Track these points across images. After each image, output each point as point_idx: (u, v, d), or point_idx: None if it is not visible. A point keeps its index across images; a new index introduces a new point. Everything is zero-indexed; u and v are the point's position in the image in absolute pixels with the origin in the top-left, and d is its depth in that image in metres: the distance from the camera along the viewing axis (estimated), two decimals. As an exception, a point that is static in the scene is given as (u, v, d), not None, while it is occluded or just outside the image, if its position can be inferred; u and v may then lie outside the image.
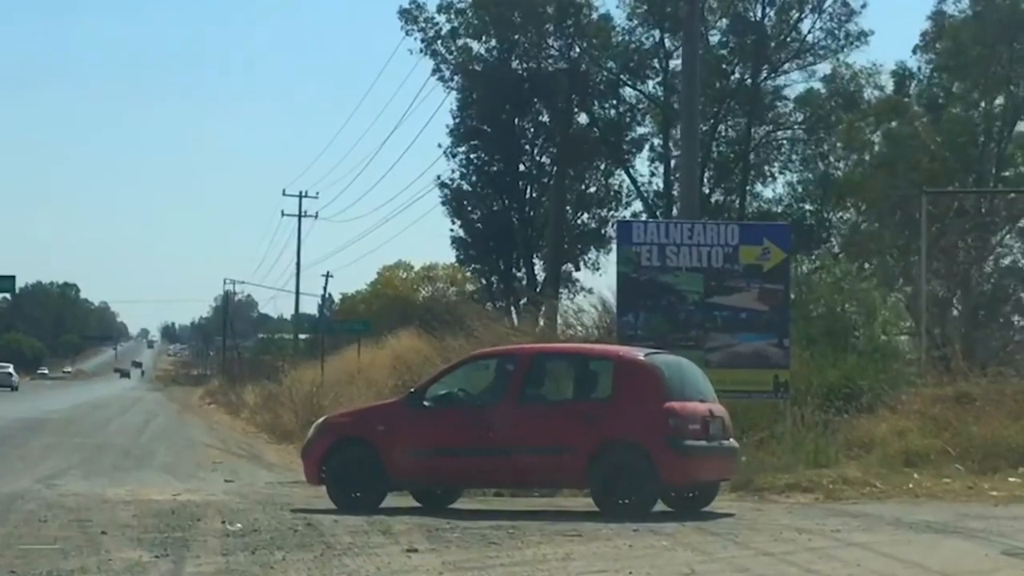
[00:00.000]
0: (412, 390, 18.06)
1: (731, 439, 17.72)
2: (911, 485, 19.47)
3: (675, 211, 45.12)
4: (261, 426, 39.36)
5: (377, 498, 17.28)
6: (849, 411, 22.98)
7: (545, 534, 14.59)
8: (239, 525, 14.94)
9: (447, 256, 72.95)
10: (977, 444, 21.56)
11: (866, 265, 34.45)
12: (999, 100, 48.00)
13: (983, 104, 47.51)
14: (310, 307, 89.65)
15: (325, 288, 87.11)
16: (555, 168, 55.71)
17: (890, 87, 51.00)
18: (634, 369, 16.94)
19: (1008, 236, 45.58)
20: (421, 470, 17.27)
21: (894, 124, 48.93)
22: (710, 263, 21.60)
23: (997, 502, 18.13)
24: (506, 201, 56.87)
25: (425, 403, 17.46)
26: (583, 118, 57.13)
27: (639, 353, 17.41)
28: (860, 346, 25.26)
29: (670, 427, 16.34)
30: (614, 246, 55.27)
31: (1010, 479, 19.91)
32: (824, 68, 53.95)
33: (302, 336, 77.65)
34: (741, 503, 18.68)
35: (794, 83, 55.15)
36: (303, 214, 79.68)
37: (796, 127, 56.18)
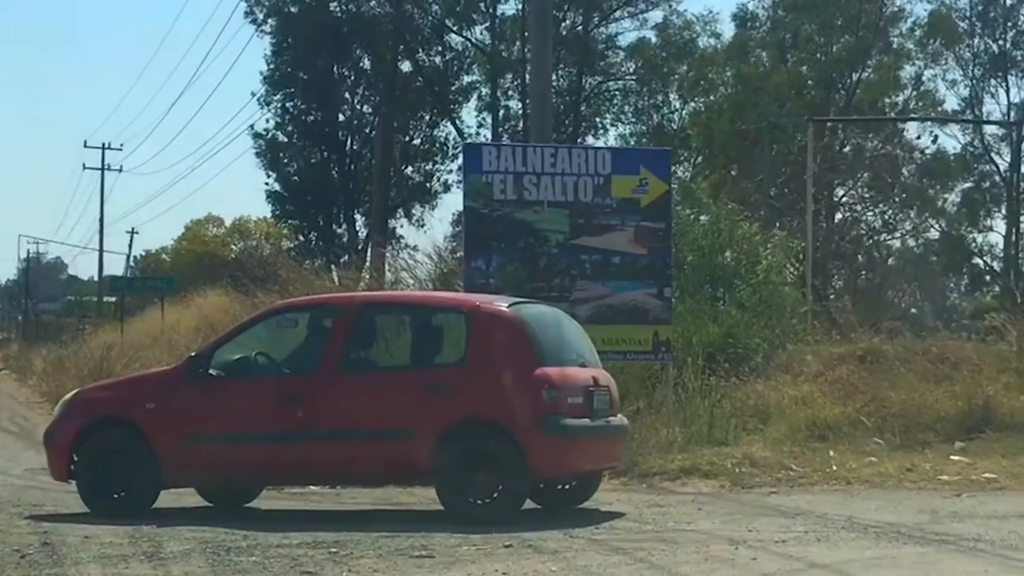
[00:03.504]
0: (193, 354, 12.92)
1: (619, 415, 13.16)
2: (834, 467, 15.12)
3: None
4: (47, 395, 33.90)
5: (147, 499, 12.38)
6: (738, 375, 18.59)
7: (383, 554, 10.09)
8: (-62, 550, 9.96)
9: (262, 210, 67.79)
10: (896, 413, 17.33)
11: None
12: (837, 45, 44.49)
13: (830, 46, 43.85)
14: (118, 267, 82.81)
15: (130, 245, 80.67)
16: (376, 118, 50.69)
17: (731, 32, 47.29)
18: (495, 324, 12.22)
19: (855, 189, 42.08)
20: (205, 463, 12.30)
21: (731, 72, 45.16)
22: (577, 196, 17.00)
23: (957, 491, 13.85)
24: (325, 153, 51.89)
25: (212, 372, 12.42)
26: (407, 66, 52.13)
27: (501, 303, 12.67)
28: (743, 298, 20.84)
29: (543, 401, 11.78)
30: (439, 201, 51.45)
31: (952, 457, 15.69)
32: (656, 16, 50.24)
33: (110, 298, 71.47)
34: (630, 494, 14.16)
35: (626, 31, 51.37)
36: (107, 167, 73.21)
37: (628, 77, 52.29)
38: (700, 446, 15.98)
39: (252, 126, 51.35)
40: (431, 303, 13.63)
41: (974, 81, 51.39)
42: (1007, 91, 51.46)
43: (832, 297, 25.60)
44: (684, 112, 50.46)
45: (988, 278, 52.19)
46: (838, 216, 42.63)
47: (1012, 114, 51.21)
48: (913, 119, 41.88)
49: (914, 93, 47.07)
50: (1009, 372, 18.32)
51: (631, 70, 52.41)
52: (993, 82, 51.49)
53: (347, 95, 52.29)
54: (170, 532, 10.90)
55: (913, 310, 41.30)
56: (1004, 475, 14.52)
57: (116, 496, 12.18)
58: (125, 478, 12.19)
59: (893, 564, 9.71)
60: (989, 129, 51.32)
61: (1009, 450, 16.00)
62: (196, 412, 12.28)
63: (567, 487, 12.88)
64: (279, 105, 51.04)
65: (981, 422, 16.87)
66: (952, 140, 50.37)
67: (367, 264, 32.58)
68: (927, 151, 47.63)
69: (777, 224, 30.96)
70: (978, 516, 11.96)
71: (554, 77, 51.00)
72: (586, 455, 12.31)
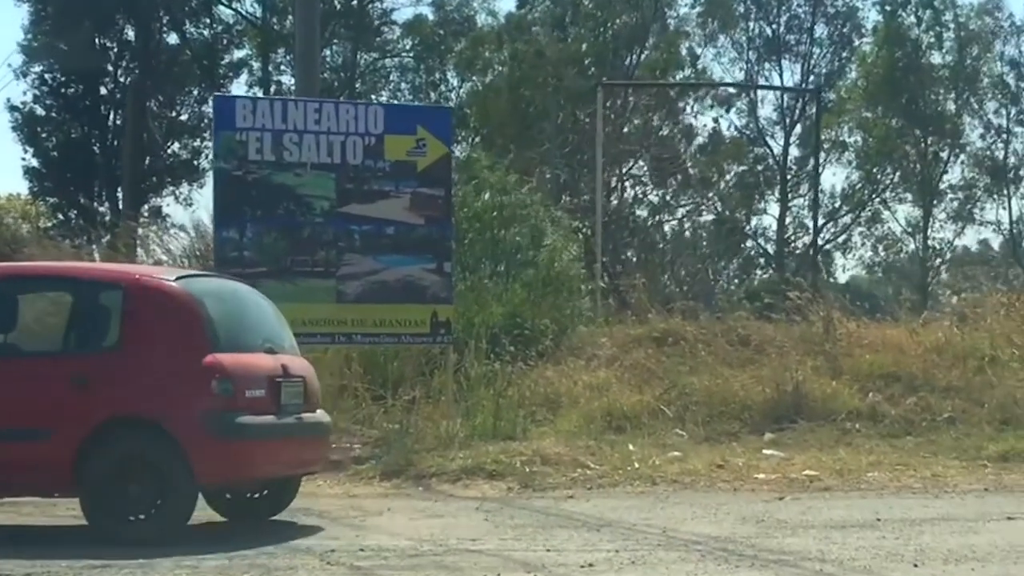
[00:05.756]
0: None
1: (318, 410, 10.76)
2: (636, 464, 13.02)
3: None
4: None
5: None
6: (526, 359, 16.40)
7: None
8: None
9: (16, 186, 63.68)
10: (699, 401, 15.40)
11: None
12: (617, 23, 42.95)
13: (610, 24, 42.18)
14: None
15: None
16: (132, 90, 47.34)
17: (509, 8, 45.36)
18: (157, 302, 9.74)
19: (642, 163, 40.44)
20: None
21: (508, 51, 43.18)
22: (345, 158, 14.59)
23: (778, 492, 11.87)
24: (86, 128, 48.10)
25: None
26: (173, 38, 48.90)
27: (167, 276, 10.21)
28: (527, 276, 18.64)
29: (213, 395, 9.42)
30: (209, 179, 48.43)
31: (764, 451, 13.77)
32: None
33: None
34: (404, 500, 11.83)
35: (402, 7, 49.21)
36: None
37: (405, 54, 50.02)
38: (485, 441, 13.78)
39: (8, 99, 47.70)
40: (82, 276, 10.64)
41: (749, 64, 50.55)
42: (780, 75, 50.73)
43: (622, 275, 23.68)
44: (462, 91, 48.45)
45: (762, 260, 51.40)
46: (626, 193, 41.04)
47: (785, 98, 50.46)
48: (707, 85, 40.44)
49: (692, 73, 45.86)
50: (816, 355, 16.54)
51: (408, 47, 50.27)
52: (768, 65, 50.71)
53: (110, 68, 48.74)
54: None
55: (686, 288, 39.90)
56: (825, 472, 12.65)
57: None
58: None
59: (732, 597, 7.62)
60: (764, 112, 50.52)
61: (824, 442, 14.22)
62: None
63: (258, 496, 10.58)
64: (37, 77, 47.36)
65: (791, 410, 15.04)
66: (726, 123, 49.39)
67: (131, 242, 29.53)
68: (720, 118, 46.82)
69: (564, 199, 29.02)
70: (812, 526, 9.95)
71: (328, 53, 48.75)
72: (268, 459, 9.90)
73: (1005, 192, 51.73)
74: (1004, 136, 51.19)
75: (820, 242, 51.13)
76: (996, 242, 55.87)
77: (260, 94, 48.34)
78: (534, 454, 13.06)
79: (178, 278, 10.08)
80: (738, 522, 10.14)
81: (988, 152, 51.47)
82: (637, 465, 12.91)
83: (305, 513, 10.90)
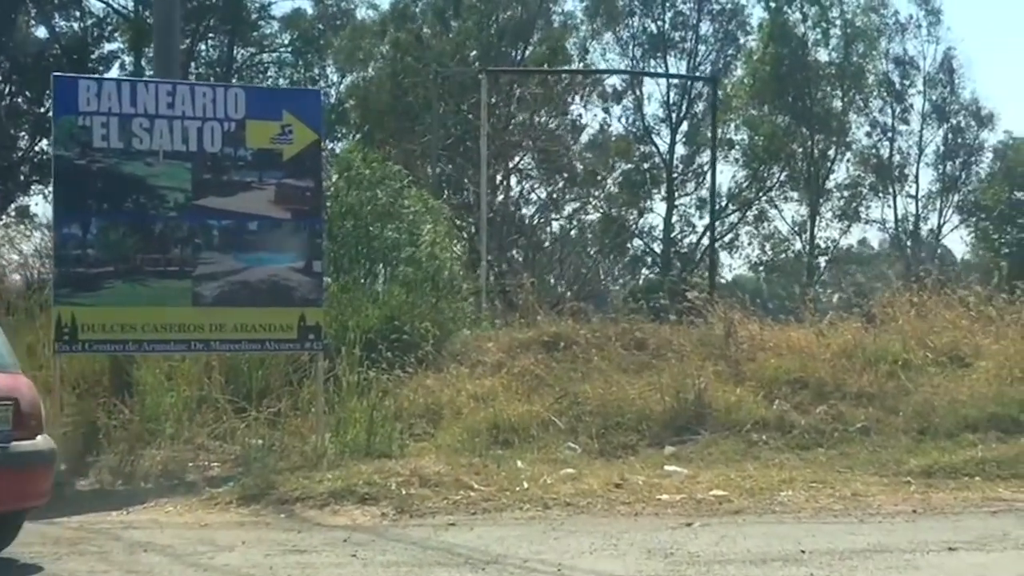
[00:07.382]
0: None
1: (39, 437, 9.08)
2: (526, 484, 11.59)
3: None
4: None
5: None
6: (404, 367, 14.91)
7: None
8: None
9: None
10: (592, 411, 14.04)
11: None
12: (503, 17, 41.68)
13: (495, 18, 40.86)
14: None
15: None
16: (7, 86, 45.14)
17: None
18: None
19: (530, 158, 39.10)
20: None
21: (389, 43, 41.70)
22: (202, 145, 13.05)
23: (685, 516, 10.48)
24: (-47, 126, 45.82)
25: None
26: (42, 32, 46.86)
27: None
28: (406, 276, 17.15)
29: None
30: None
31: (666, 467, 12.40)
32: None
33: None
34: (261, 531, 10.27)
35: (279, 1, 47.55)
36: None
37: (283, 49, 48.40)
38: (357, 460, 12.29)
39: None
40: None
41: (634, 61, 49.54)
42: (666, 71, 49.73)
43: (508, 274, 22.35)
44: (342, 86, 46.89)
45: (649, 260, 50.41)
46: (513, 191, 39.75)
47: (672, 95, 49.58)
48: (598, 72, 39.27)
49: (580, 67, 44.69)
50: (717, 360, 15.27)
51: (286, 41, 48.65)
52: (653, 62, 49.71)
53: (-27, 63, 46.51)
54: None
55: (576, 288, 38.71)
56: (735, 491, 11.31)
57: None
58: None
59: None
60: (650, 110, 49.63)
61: (730, 455, 12.93)
62: None
63: None
64: (-101, 74, 45.04)
65: (693, 420, 13.73)
66: (614, 116, 48.34)
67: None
68: (609, 109, 45.76)
69: (447, 194, 27.52)
70: (729, 560, 8.61)
71: (203, 47, 46.90)
72: None
73: (890, 190, 51.34)
74: (889, 134, 50.81)
75: (709, 240, 50.39)
76: (876, 240, 55.60)
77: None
78: (412, 474, 11.58)
79: None
80: (643, 556, 8.76)
81: (874, 150, 51.06)
82: (527, 485, 11.50)
83: (145, 548, 9.38)
